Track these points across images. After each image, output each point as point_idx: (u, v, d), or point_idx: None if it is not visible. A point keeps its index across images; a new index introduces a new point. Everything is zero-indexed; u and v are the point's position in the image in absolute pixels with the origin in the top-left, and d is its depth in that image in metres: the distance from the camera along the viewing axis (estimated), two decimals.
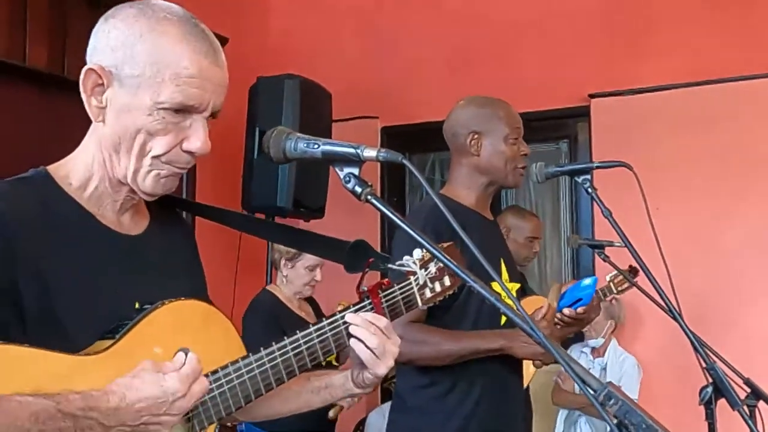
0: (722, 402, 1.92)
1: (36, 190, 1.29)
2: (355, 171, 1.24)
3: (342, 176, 1.24)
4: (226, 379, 1.30)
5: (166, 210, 1.48)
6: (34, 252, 1.21)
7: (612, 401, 0.89)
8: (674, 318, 1.96)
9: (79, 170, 1.33)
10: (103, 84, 1.28)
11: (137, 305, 1.30)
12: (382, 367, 1.41)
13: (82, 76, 1.30)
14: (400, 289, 1.47)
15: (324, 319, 1.40)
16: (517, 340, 2.22)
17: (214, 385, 1.27)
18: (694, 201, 4.35)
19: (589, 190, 2.19)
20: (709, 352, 1.94)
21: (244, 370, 1.31)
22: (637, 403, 0.92)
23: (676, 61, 4.46)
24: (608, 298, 3.82)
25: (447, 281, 1.51)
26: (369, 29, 5.24)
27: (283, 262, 3.71)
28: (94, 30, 1.32)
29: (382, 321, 1.41)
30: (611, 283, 3.72)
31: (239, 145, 4.20)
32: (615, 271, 3.29)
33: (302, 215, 4.40)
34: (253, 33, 5.17)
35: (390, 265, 1.46)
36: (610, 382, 0.95)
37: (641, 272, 2.13)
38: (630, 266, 3.32)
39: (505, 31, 4.88)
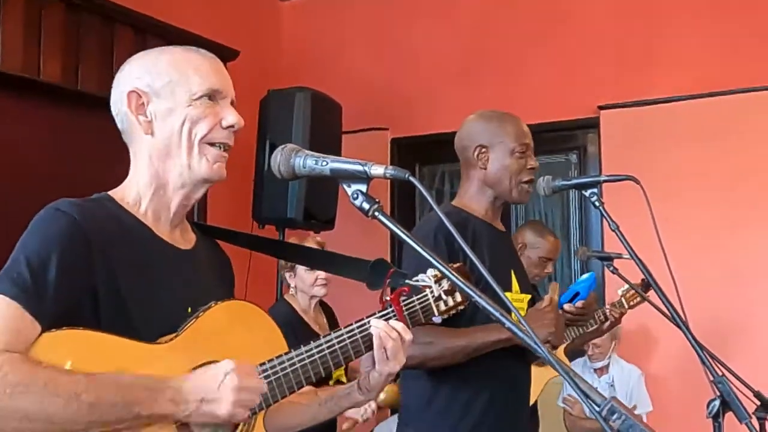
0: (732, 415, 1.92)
1: (104, 207, 1.50)
2: (363, 188, 1.26)
3: (350, 193, 1.27)
4: (273, 371, 1.48)
5: (207, 235, 1.72)
6: (108, 257, 1.41)
7: (615, 416, 0.90)
8: (681, 329, 1.96)
9: (132, 190, 1.54)
10: (143, 103, 1.52)
11: (189, 310, 1.49)
12: (389, 366, 1.57)
13: (124, 102, 1.52)
14: (418, 299, 1.63)
15: (354, 323, 1.58)
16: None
17: (262, 376, 1.46)
18: (705, 212, 4.34)
19: (597, 203, 2.19)
20: (717, 365, 1.94)
21: (287, 364, 1.49)
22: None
23: (685, 73, 4.46)
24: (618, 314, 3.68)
25: (458, 297, 1.66)
26: (379, 42, 5.27)
27: (287, 274, 3.72)
28: (113, 84, 1.57)
29: (400, 326, 1.58)
30: (623, 298, 3.62)
31: (250, 157, 4.23)
32: (626, 286, 3.25)
33: (312, 227, 4.41)
34: (265, 46, 5.21)
35: (408, 281, 1.62)
36: (614, 397, 0.96)
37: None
38: (642, 280, 3.28)
39: (515, 43, 4.90)
